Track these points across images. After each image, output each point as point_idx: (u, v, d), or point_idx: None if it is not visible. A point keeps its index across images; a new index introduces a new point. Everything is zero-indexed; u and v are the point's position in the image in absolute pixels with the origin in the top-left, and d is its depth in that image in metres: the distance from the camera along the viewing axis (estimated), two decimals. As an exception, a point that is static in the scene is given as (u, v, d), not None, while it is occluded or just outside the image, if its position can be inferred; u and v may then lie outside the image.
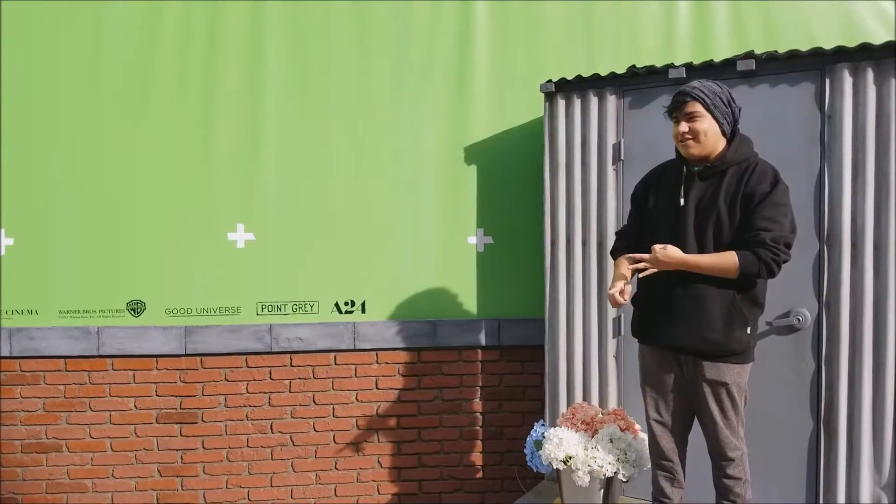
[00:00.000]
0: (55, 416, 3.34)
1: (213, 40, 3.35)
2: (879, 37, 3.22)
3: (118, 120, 3.32)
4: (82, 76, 3.31)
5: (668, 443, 2.40)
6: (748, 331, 2.25)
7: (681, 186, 2.29)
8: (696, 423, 2.41)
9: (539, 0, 3.41)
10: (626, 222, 2.63)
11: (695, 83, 2.26)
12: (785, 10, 3.35)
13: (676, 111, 2.26)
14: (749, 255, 2.15)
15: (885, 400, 2.62)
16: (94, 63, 3.32)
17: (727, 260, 2.17)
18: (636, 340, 2.49)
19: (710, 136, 2.23)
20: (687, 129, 2.24)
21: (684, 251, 2.25)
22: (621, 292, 2.29)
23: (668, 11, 3.40)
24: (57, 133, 3.30)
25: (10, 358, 3.30)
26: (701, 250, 2.24)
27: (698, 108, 2.22)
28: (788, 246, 2.18)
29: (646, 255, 2.25)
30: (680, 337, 2.27)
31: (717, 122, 2.24)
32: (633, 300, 2.45)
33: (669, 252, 2.21)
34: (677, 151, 2.35)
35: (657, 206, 2.36)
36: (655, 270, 2.24)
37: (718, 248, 2.22)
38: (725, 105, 2.24)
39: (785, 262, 2.18)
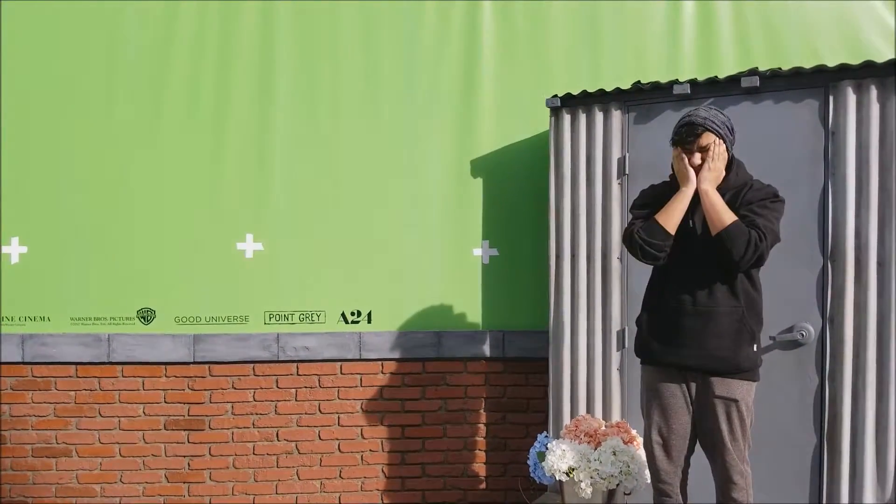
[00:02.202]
0: (65, 422, 3.38)
1: (224, 55, 3.41)
2: (883, 53, 3.23)
3: (130, 130, 3.38)
4: (96, 87, 3.38)
5: (668, 465, 2.38)
6: (755, 348, 2.28)
7: (689, 210, 2.31)
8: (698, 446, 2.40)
9: (544, 15, 3.44)
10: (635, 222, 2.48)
11: (703, 113, 2.28)
12: (789, 25, 3.37)
13: (690, 143, 2.26)
14: (743, 227, 2.17)
15: (889, 415, 2.62)
16: (108, 74, 3.38)
17: (729, 214, 2.19)
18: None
19: (723, 166, 2.28)
20: (700, 161, 2.27)
21: (694, 270, 2.28)
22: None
23: (673, 27, 3.43)
24: (70, 143, 3.36)
25: (23, 364, 3.35)
26: (709, 269, 2.26)
27: (712, 139, 2.25)
28: (771, 245, 2.21)
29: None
30: (689, 356, 2.28)
31: (728, 151, 2.29)
32: (638, 320, 2.46)
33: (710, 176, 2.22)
34: (673, 176, 2.38)
35: None
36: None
37: (724, 268, 2.23)
38: (730, 132, 2.29)
39: (761, 259, 2.20)
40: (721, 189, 2.28)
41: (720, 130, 2.24)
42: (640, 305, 2.48)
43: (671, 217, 2.30)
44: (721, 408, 2.26)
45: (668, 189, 2.39)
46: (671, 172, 2.40)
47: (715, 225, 2.20)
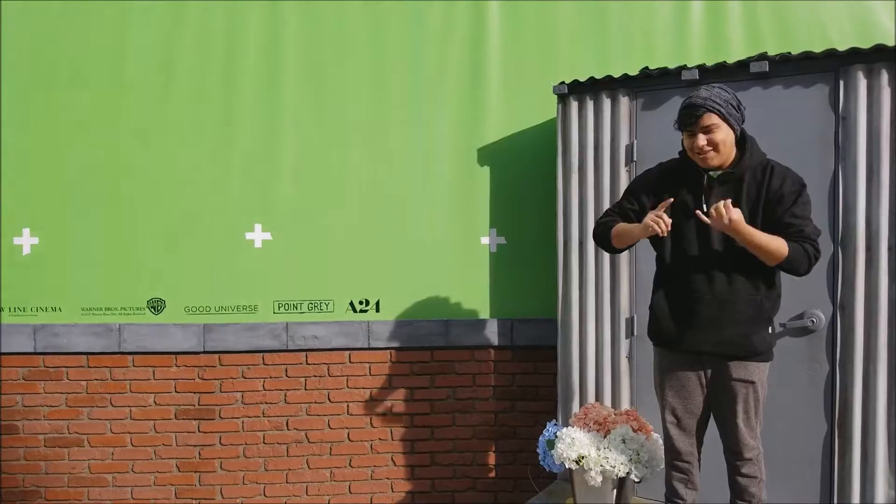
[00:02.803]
0: (77, 412, 3.41)
1: (233, 44, 3.41)
2: (894, 37, 3.20)
3: (140, 121, 3.39)
4: (105, 78, 3.39)
5: (684, 445, 2.39)
6: (770, 330, 2.28)
7: (701, 193, 2.27)
8: (710, 422, 2.41)
9: (551, 2, 3.43)
10: (618, 210, 2.49)
11: (703, 93, 2.21)
12: (799, 10, 3.33)
13: (692, 125, 2.21)
14: (798, 247, 2.15)
15: (900, 402, 2.61)
16: (117, 65, 3.39)
17: (779, 245, 2.14)
18: (648, 341, 2.49)
19: (728, 145, 2.22)
20: (706, 143, 2.20)
21: (709, 255, 2.25)
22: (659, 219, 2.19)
23: (681, 12, 3.40)
24: (80, 134, 3.38)
25: (34, 354, 3.38)
26: (726, 253, 2.23)
27: (715, 119, 2.18)
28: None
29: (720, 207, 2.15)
30: (705, 342, 2.27)
31: (733, 129, 2.22)
32: (651, 305, 2.44)
33: (738, 216, 2.11)
34: (684, 157, 2.33)
35: (676, 212, 2.30)
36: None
37: (740, 251, 2.20)
38: (736, 110, 2.22)
39: (817, 261, 2.21)
40: (735, 170, 2.23)
41: (722, 110, 2.17)
42: (649, 293, 2.47)
43: (623, 239, 2.37)
44: (739, 390, 2.27)
45: (679, 170, 2.34)
46: (680, 150, 2.35)
47: (774, 259, 2.16)
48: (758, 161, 2.25)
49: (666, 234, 2.20)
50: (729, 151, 2.23)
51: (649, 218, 2.20)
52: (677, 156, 2.38)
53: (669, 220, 2.19)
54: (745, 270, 2.23)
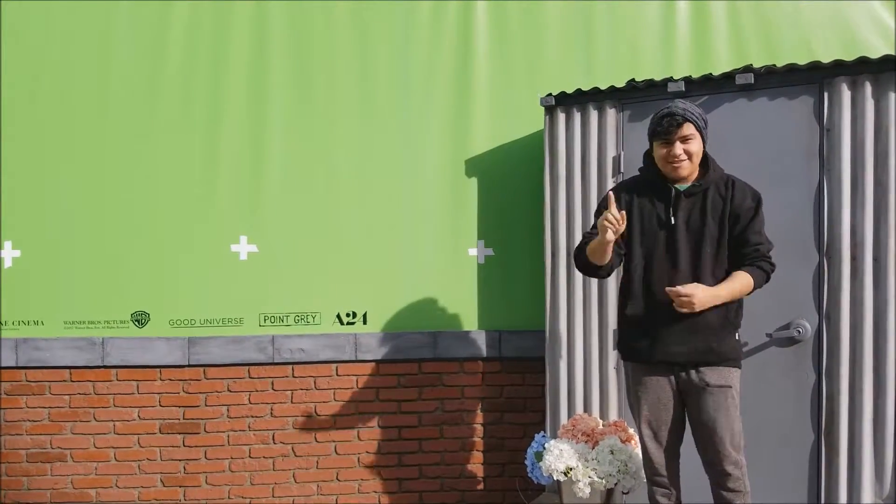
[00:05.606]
0: (60, 426, 3.36)
1: (218, 56, 3.39)
2: (880, 51, 3.23)
3: (125, 132, 3.36)
4: (90, 89, 3.36)
5: (662, 458, 2.40)
6: (737, 336, 2.34)
7: (670, 205, 2.33)
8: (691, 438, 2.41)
9: (538, 14, 3.43)
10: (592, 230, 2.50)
11: (680, 104, 2.29)
12: (784, 23, 3.36)
13: (671, 133, 2.26)
14: (756, 270, 2.27)
15: (886, 411, 2.62)
16: (101, 76, 3.37)
17: (745, 282, 2.27)
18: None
19: (699, 157, 2.31)
20: (682, 152, 2.27)
21: (678, 266, 2.30)
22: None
23: (668, 24, 3.42)
24: (64, 145, 3.35)
25: (16, 368, 3.34)
26: (694, 264, 2.29)
27: (692, 129, 2.27)
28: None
29: (679, 293, 2.20)
30: (677, 353, 2.29)
31: (703, 142, 2.31)
32: (620, 319, 2.45)
33: (701, 295, 2.18)
34: (649, 170, 2.38)
35: (644, 224, 2.37)
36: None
37: (709, 262, 2.28)
38: (705, 126, 2.32)
39: None
40: (701, 182, 2.31)
41: (699, 122, 2.28)
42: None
43: (595, 254, 2.32)
44: (717, 396, 2.28)
45: (647, 184, 2.40)
46: (641, 166, 2.44)
47: (746, 295, 2.31)
48: (719, 175, 2.35)
49: (621, 227, 2.20)
50: (697, 163, 2.31)
51: (600, 221, 2.20)
52: (638, 172, 2.46)
53: (621, 214, 2.19)
54: (709, 277, 2.28)
